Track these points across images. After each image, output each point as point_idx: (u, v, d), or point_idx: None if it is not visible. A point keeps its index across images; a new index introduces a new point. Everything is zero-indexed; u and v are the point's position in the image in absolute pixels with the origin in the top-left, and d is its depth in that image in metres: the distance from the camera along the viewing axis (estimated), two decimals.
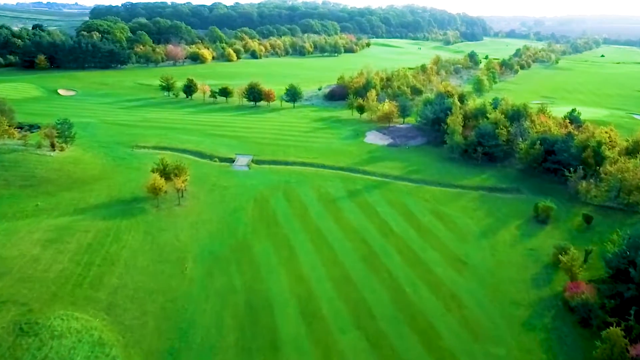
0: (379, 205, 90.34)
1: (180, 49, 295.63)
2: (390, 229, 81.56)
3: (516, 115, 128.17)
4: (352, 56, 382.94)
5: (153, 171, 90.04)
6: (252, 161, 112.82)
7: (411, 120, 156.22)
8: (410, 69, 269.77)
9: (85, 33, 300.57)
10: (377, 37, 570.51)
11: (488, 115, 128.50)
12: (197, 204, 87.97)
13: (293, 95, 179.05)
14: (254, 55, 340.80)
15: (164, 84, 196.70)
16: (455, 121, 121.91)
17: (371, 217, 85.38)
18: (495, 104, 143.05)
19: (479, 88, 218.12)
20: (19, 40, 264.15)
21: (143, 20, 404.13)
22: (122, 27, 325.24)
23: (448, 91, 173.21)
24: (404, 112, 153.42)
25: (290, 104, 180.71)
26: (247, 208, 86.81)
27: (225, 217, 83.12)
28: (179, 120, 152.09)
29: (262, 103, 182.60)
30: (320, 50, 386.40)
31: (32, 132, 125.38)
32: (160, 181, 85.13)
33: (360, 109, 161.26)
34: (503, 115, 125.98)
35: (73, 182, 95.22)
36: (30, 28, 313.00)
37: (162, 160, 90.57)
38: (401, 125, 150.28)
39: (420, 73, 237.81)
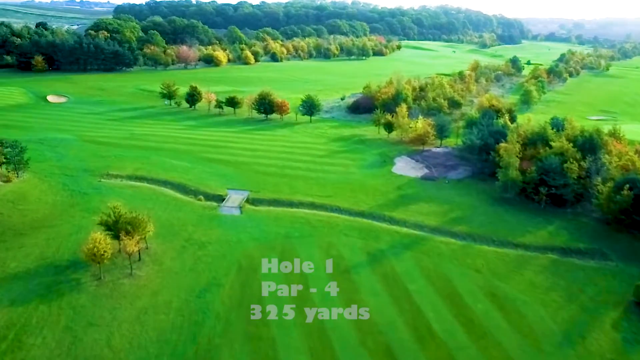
0: (410, 280, 64.88)
1: (192, 51, 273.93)
2: (428, 326, 56.10)
3: (588, 143, 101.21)
4: (380, 60, 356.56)
5: (101, 223, 66.28)
6: (247, 200, 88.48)
7: (450, 142, 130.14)
8: (444, 75, 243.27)
9: (92, 32, 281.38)
10: (408, 39, 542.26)
11: (551, 142, 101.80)
12: (157, 273, 63.89)
13: (310, 107, 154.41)
14: (274, 57, 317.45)
15: (164, 91, 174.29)
16: (510, 151, 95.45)
17: (399, 303, 60.01)
18: (557, 124, 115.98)
19: (526, 100, 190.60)
20: (18, 39, 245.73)
21: (158, 18, 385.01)
22: (133, 26, 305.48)
23: (493, 105, 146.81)
24: (441, 132, 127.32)
25: (306, 118, 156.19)
26: (224, 283, 62.29)
27: (191, 300, 58.71)
28: (171, 138, 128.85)
29: (275, 116, 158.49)
30: (347, 53, 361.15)
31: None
32: (104, 243, 61.21)
33: (389, 127, 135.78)
34: (571, 144, 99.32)
35: (1, 233, 72.17)
36: (34, 26, 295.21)
37: (114, 210, 66.56)
38: (438, 150, 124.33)
39: (457, 81, 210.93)
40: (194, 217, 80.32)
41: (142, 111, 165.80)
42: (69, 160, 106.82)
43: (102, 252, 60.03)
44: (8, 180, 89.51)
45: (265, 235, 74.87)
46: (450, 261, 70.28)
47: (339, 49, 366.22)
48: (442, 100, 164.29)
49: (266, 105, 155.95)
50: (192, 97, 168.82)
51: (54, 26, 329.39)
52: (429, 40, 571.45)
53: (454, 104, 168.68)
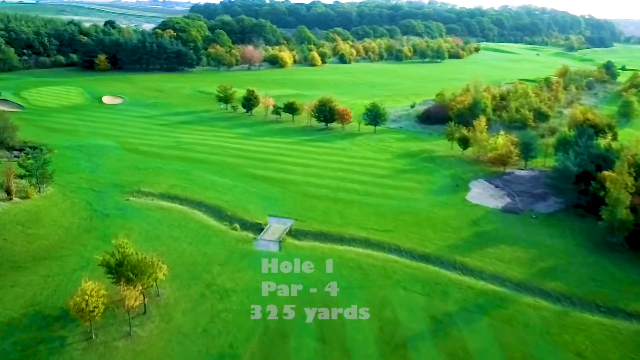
0: None
1: (257, 51, 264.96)
2: None
3: None
4: (456, 63, 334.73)
5: (102, 264, 54.52)
6: (290, 231, 74.93)
7: (537, 163, 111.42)
8: (527, 81, 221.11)
9: (159, 31, 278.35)
10: (487, 41, 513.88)
11: None
12: (161, 333, 51.33)
13: (375, 117, 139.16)
14: (342, 59, 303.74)
15: (221, 94, 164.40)
16: (618, 183, 76.64)
17: None
18: None
19: (625, 112, 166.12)
20: (85, 38, 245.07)
21: (227, 17, 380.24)
22: (200, 25, 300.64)
23: (588, 120, 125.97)
24: (526, 151, 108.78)
25: (370, 128, 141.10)
26: (242, 354, 48.81)
27: None
28: (219, 148, 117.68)
29: (335, 125, 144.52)
30: (420, 55, 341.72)
31: (23, 157, 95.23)
32: (96, 296, 49.16)
33: (464, 142, 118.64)
34: None
35: None
36: (102, 24, 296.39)
37: (119, 248, 54.59)
38: (523, 172, 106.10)
39: (544, 88, 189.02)
40: (224, 253, 67.53)
41: (195, 115, 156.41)
42: (102, 172, 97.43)
43: (92, 309, 48.03)
44: (26, 197, 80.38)
45: (304, 283, 60.83)
46: (541, 336, 53.51)
47: (412, 50, 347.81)
48: (527, 112, 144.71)
49: (326, 113, 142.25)
50: (249, 102, 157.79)
51: (121, 25, 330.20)
52: (510, 42, 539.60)
53: (541, 116, 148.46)
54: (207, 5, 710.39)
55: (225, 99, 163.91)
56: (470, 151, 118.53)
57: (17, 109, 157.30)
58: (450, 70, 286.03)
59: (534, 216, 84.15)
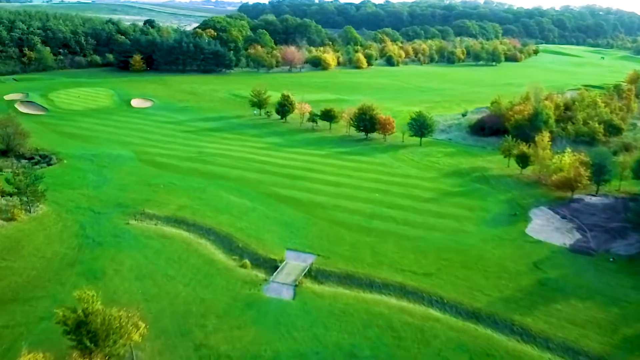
0: None
1: (298, 53, 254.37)
2: None
3: None
4: (513, 66, 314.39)
5: (59, 322, 43.69)
6: (309, 271, 62.83)
7: (612, 187, 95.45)
8: (592, 87, 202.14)
9: (199, 31, 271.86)
10: (547, 43, 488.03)
11: None
12: None
13: (421, 128, 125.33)
14: (389, 61, 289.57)
15: (254, 99, 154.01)
16: None
17: None
18: None
19: None
20: (122, 37, 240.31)
21: (271, 17, 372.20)
22: (241, 24, 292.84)
23: None
24: (599, 173, 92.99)
25: (415, 139, 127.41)
26: None
27: None
28: (244, 160, 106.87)
29: (377, 135, 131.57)
30: (474, 57, 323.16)
31: (14, 172, 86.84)
32: None
33: (523, 160, 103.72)
34: None
35: None
36: (142, 24, 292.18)
37: (84, 299, 43.64)
38: (595, 200, 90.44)
39: (615, 97, 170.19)
40: (225, 300, 55.96)
41: (225, 122, 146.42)
42: (108, 187, 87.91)
43: None
44: (12, 219, 71.20)
45: (318, 348, 48.65)
46: None
47: (465, 52, 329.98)
48: (596, 124, 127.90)
49: (367, 122, 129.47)
50: (283, 108, 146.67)
51: (164, 24, 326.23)
52: (572, 44, 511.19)
53: (612, 130, 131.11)
54: (256, 5, 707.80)
55: (258, 104, 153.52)
56: (530, 170, 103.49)
57: (41, 111, 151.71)
58: (506, 75, 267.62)
59: (611, 259, 69.08)
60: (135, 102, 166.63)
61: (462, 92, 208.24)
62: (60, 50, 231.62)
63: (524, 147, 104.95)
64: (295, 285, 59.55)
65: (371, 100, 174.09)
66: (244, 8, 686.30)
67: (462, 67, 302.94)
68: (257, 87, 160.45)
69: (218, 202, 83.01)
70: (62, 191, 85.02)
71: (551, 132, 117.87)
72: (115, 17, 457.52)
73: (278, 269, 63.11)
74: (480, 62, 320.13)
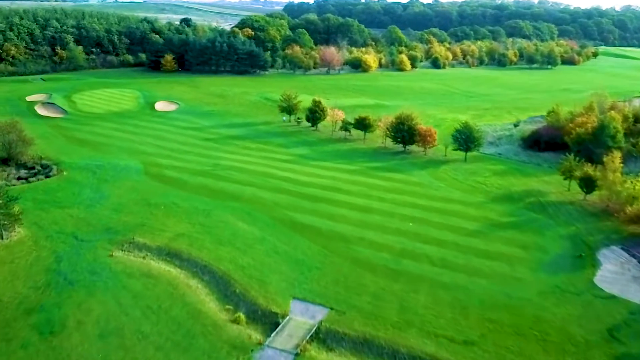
0: None
1: (338, 53, 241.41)
2: None
3: None
4: (571, 70, 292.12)
5: None
6: (317, 331, 50.00)
7: None
8: None
9: (236, 30, 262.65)
10: (606, 45, 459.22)
11: None
12: None
13: (466, 141, 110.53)
14: (435, 63, 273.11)
15: (283, 104, 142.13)
16: None
17: None
18: None
19: None
20: (157, 36, 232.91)
21: (312, 16, 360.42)
22: (280, 24, 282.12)
23: None
24: None
25: (460, 154, 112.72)
26: None
27: None
28: (262, 176, 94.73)
29: (416, 147, 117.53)
30: (528, 60, 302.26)
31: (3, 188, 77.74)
32: None
33: (588, 183, 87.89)
34: None
35: None
36: (179, 22, 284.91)
37: None
38: None
39: None
40: None
41: (251, 129, 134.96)
42: (102, 206, 77.31)
43: None
44: None
45: None
46: None
47: (517, 54, 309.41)
48: None
49: (405, 133, 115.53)
50: (314, 114, 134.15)
51: (199, 22, 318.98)
52: (635, 46, 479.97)
53: None
54: (301, 4, 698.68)
55: (288, 109, 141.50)
56: (596, 196, 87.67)
57: (60, 114, 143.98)
58: (563, 79, 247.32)
59: None
60: (160, 106, 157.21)
61: (514, 98, 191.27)
62: (93, 49, 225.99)
63: (588, 169, 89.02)
64: (297, 354, 46.86)
65: (413, 106, 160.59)
66: (289, 7, 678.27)
67: (514, 71, 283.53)
68: (289, 90, 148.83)
69: (222, 229, 71.12)
70: (50, 210, 74.98)
71: (619, 148, 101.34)
72: (161, 15, 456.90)
73: (278, 328, 50.48)
74: (534, 65, 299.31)
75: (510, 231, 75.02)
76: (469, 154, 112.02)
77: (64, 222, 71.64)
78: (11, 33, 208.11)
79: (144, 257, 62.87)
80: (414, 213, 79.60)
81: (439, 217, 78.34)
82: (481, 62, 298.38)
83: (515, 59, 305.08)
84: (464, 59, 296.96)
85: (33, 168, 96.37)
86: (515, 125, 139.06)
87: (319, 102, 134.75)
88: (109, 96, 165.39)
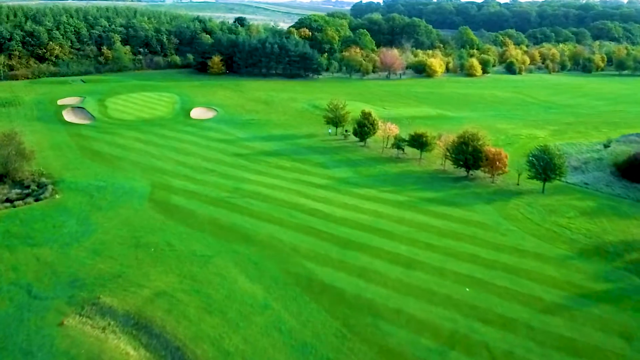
0: None
1: (400, 56, 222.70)
2: None
3: None
4: None
5: None
6: None
7: None
8: None
9: (293, 30, 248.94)
10: None
11: None
12: None
13: (545, 169, 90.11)
14: (510, 68, 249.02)
15: (330, 115, 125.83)
16: None
17: None
18: None
19: None
20: (208, 36, 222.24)
21: (375, 15, 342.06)
22: (339, 24, 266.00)
23: None
24: None
25: (536, 183, 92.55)
26: None
27: None
28: (287, 205, 78.55)
29: (482, 172, 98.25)
30: (617, 66, 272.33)
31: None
32: None
33: None
34: None
35: None
36: (232, 22, 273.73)
37: None
38: None
39: None
40: None
41: (290, 143, 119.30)
42: (80, 246, 63.54)
43: None
44: None
45: None
46: None
47: (605, 59, 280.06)
48: None
49: (468, 156, 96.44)
50: (362, 128, 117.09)
51: (259, 22, 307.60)
52: None
53: None
54: (369, 4, 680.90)
55: (334, 120, 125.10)
56: None
57: (87, 120, 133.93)
58: None
59: None
60: (196, 113, 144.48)
61: (603, 110, 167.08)
62: (141, 49, 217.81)
63: None
64: None
65: (481, 118, 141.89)
66: (356, 7, 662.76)
67: (602, 77, 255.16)
68: (338, 97, 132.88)
69: (217, 288, 55.47)
70: (16, 249, 61.93)
71: None
72: (228, 15, 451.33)
73: None
74: (625, 72, 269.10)
75: (606, 307, 55.28)
76: (548, 183, 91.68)
77: (25, 268, 58.19)
78: (57, 32, 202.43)
79: (103, 329, 48.13)
80: (472, 271, 61.18)
81: (505, 279, 59.53)
82: (563, 68, 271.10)
83: (602, 65, 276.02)
84: (543, 63, 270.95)
85: (29, 187, 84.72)
86: (606, 146, 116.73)
87: (369, 114, 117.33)
88: (144, 101, 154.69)
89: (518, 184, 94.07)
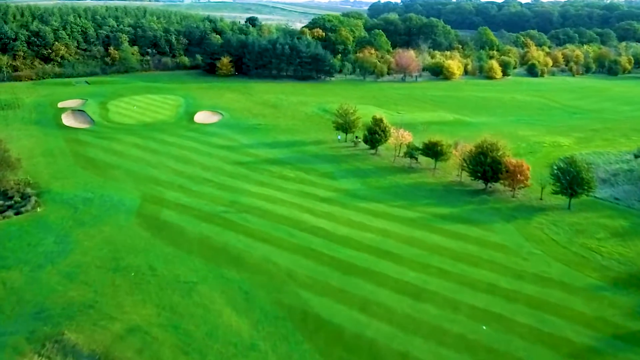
0: None
1: (416, 58, 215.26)
2: None
3: None
4: None
5: None
6: None
7: None
8: None
9: (306, 30, 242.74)
10: None
11: None
12: None
13: (571, 184, 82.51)
14: (531, 70, 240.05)
15: (339, 120, 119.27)
16: None
17: None
18: None
19: None
20: (217, 37, 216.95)
21: (392, 15, 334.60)
22: (354, 24, 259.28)
23: None
24: None
25: (561, 199, 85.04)
26: None
27: None
28: (287, 222, 71.85)
29: (501, 185, 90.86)
30: None
31: None
32: None
33: None
34: None
35: None
36: (244, 22, 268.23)
37: None
38: None
39: None
40: None
41: (296, 150, 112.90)
42: (51, 270, 57.72)
43: None
44: None
45: None
46: None
47: (632, 61, 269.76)
48: None
49: (487, 167, 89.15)
50: (373, 135, 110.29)
51: (264, 22, 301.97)
52: None
53: None
54: (387, 3, 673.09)
55: (344, 126, 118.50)
56: None
57: (86, 124, 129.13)
58: None
59: None
60: (200, 117, 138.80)
61: (631, 116, 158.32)
62: (149, 50, 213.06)
63: None
64: None
65: (501, 123, 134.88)
66: (374, 7, 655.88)
67: (629, 80, 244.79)
68: (349, 101, 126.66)
69: (198, 323, 49.13)
70: None
71: None
72: (245, 15, 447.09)
73: None
74: None
75: None
76: (575, 198, 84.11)
77: None
78: (63, 32, 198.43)
79: None
80: (490, 304, 54.17)
81: (528, 315, 52.41)
82: (587, 70, 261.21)
83: (629, 67, 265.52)
84: (566, 65, 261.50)
85: (12, 197, 79.42)
86: (637, 156, 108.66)
87: (380, 120, 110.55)
88: (148, 103, 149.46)
89: (541, 199, 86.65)
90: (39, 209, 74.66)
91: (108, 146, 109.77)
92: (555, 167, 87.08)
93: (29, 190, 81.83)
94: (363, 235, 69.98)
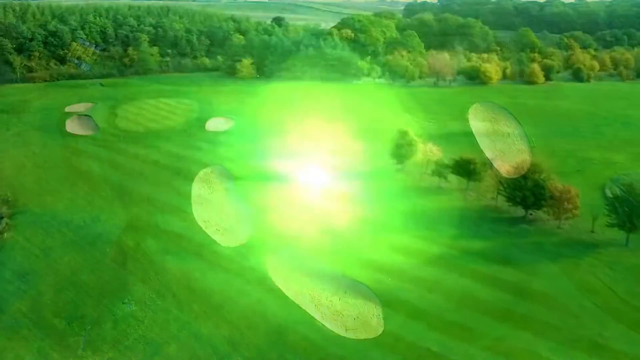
0: None
1: (450, 61, 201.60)
2: None
3: None
4: None
5: None
6: None
7: None
8: None
9: (335, 31, 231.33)
10: None
11: None
12: None
13: (631, 215, 69.19)
14: (577, 75, 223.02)
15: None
16: None
17: None
18: None
19: None
20: (240, 37, 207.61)
21: (427, 15, 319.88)
22: (386, 24, 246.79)
23: None
24: None
25: (617, 233, 71.80)
26: None
27: None
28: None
29: (545, 214, 78.00)
30: None
31: None
32: None
33: None
34: None
35: None
36: (270, 21, 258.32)
37: None
38: None
39: None
40: None
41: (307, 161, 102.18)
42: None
43: None
44: None
45: None
46: None
47: None
48: None
49: (527, 192, 76.50)
50: (400, 150, 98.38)
51: (297, 22, 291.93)
52: None
53: None
54: (423, 3, 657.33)
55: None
56: None
57: (90, 131, 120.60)
58: None
59: None
60: (212, 124, 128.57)
61: None
62: (169, 50, 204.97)
63: None
64: None
65: (542, 135, 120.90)
66: (409, 7, 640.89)
67: None
68: (376, 106, 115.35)
69: None
70: None
71: None
72: (280, 15, 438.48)
73: None
74: None
75: None
76: (634, 233, 70.93)
77: None
78: (82, 32, 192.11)
79: None
80: None
81: None
82: (638, 75, 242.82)
83: None
84: (615, 70, 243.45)
85: None
86: None
87: (406, 133, 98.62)
88: (159, 108, 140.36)
89: (592, 232, 73.56)
90: (6, 235, 65.57)
91: (107, 157, 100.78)
92: (610, 193, 74.16)
93: (4, 209, 73.20)
94: (371, 275, 58.56)
